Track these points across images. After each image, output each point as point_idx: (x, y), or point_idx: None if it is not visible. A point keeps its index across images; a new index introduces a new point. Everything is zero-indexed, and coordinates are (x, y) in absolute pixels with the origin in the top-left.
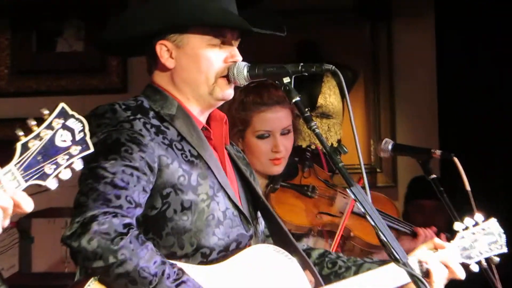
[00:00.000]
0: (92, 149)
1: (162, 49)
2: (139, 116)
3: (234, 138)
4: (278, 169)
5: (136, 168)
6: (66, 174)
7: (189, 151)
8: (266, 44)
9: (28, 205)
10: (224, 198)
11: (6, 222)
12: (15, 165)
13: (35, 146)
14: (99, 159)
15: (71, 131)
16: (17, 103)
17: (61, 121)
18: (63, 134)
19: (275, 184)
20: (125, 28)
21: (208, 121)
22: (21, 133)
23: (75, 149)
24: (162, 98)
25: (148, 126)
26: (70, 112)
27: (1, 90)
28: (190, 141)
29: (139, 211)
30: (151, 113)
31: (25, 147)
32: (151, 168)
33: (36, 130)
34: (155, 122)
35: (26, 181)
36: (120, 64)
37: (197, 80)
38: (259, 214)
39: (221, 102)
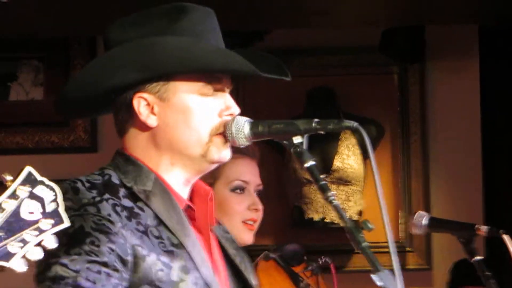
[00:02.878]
0: (67, 223)
1: (141, 103)
2: (106, 196)
3: None
4: (250, 238)
5: (105, 264)
6: (35, 254)
7: (168, 238)
8: (269, 91)
9: None
10: None
11: None
12: None
13: None
14: (59, 253)
15: (40, 201)
16: None
17: (28, 188)
18: (30, 205)
19: (272, 253)
20: (93, 82)
21: (190, 196)
22: None
23: (45, 223)
24: (135, 170)
25: (119, 208)
26: (39, 177)
27: None
28: (169, 226)
29: None
30: (122, 191)
31: None
32: (124, 262)
33: None
34: (126, 203)
35: None
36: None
37: (188, 140)
38: None
39: (215, 166)
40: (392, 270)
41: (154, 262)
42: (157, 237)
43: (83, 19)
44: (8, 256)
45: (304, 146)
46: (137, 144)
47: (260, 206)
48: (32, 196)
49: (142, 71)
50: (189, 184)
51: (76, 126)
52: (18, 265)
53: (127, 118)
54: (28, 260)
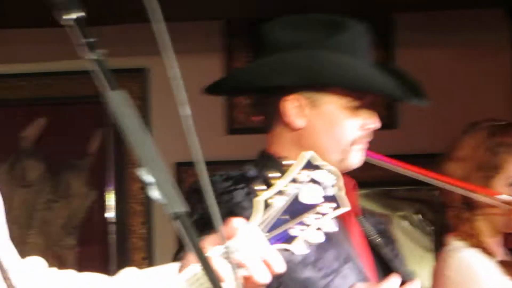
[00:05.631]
0: (348, 207)
1: (293, 104)
2: (241, 185)
3: (476, 184)
4: None
5: None
6: (316, 237)
7: None
8: None
9: (281, 266)
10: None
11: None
12: (259, 225)
13: (279, 203)
14: None
15: (320, 185)
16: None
17: (309, 173)
18: (311, 189)
19: None
20: (257, 76)
21: None
22: (261, 187)
23: (325, 207)
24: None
25: (252, 196)
26: (320, 162)
27: None
28: None
29: None
30: (257, 182)
31: (267, 205)
32: None
33: (279, 183)
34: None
35: (272, 243)
36: None
37: (329, 147)
38: None
39: (351, 169)
40: None
41: None
42: None
43: None
44: (290, 239)
45: None
46: (282, 142)
47: None
48: (313, 180)
49: (304, 78)
50: None
51: None
52: (299, 248)
53: (276, 116)
54: (308, 244)
